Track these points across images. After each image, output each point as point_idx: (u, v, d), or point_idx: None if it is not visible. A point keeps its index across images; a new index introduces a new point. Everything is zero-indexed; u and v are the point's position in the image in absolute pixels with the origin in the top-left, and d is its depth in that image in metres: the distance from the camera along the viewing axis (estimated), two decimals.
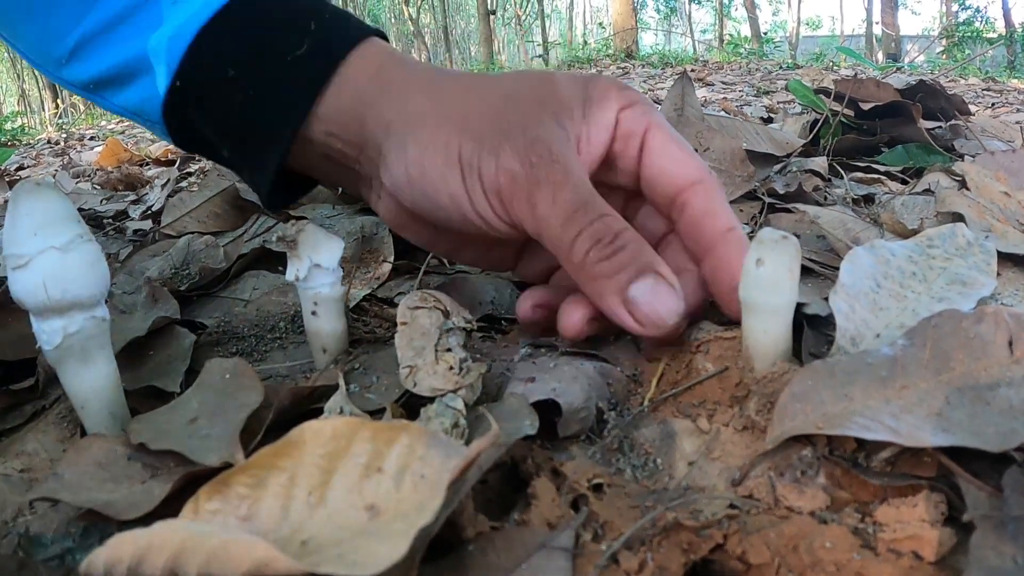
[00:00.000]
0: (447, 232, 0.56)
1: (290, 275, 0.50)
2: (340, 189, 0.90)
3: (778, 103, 3.77)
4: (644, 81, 6.18)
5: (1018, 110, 4.51)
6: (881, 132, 1.04)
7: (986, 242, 0.52)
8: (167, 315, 0.62)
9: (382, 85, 0.55)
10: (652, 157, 0.51)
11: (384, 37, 0.60)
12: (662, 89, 5.30)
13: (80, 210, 1.27)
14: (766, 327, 0.42)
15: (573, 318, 0.49)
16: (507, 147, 0.49)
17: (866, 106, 1.04)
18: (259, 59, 0.56)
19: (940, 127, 1.06)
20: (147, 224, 1.09)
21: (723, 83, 5.80)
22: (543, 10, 25.50)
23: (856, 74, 1.06)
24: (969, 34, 19.54)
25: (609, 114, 0.52)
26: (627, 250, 0.46)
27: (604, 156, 0.53)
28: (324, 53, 0.56)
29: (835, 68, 8.05)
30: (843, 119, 1.03)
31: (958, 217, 0.59)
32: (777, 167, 0.87)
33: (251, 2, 0.59)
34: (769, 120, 1.84)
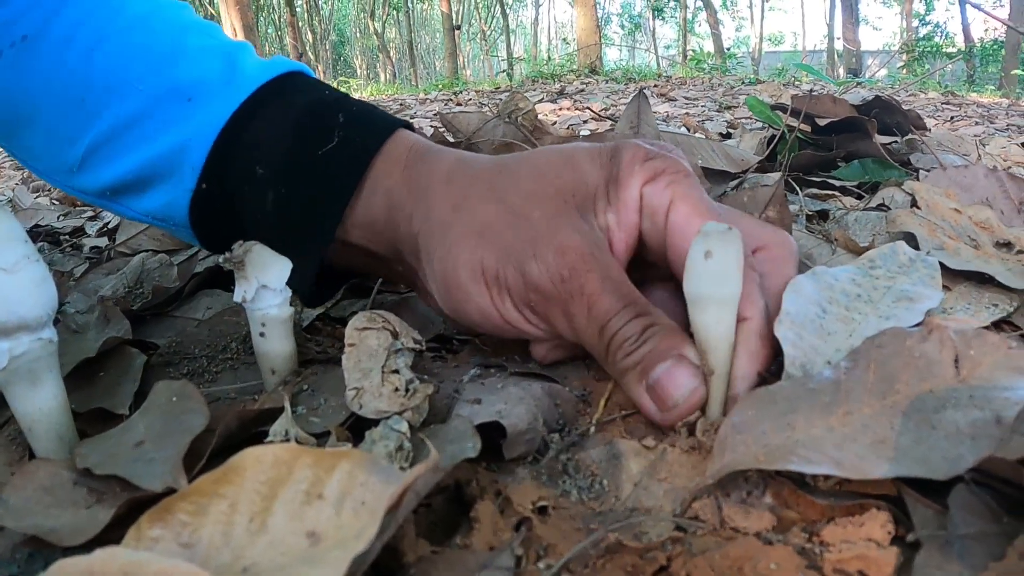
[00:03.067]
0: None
1: (237, 296, 0.49)
2: None
3: (739, 118, 3.80)
4: (607, 96, 6.21)
5: (976, 123, 4.58)
6: (837, 147, 1.05)
7: (928, 257, 0.52)
8: (118, 335, 0.61)
9: (410, 186, 0.54)
10: (675, 238, 0.49)
11: (409, 127, 0.60)
12: (624, 104, 5.33)
13: (37, 227, 1.26)
14: (719, 317, 0.41)
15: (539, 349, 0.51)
16: (533, 264, 0.47)
17: (823, 122, 1.05)
18: (289, 156, 0.56)
19: (896, 142, 1.07)
20: (103, 241, 1.08)
21: (686, 98, 5.84)
22: (508, 25, 25.58)
23: (812, 90, 1.07)
24: (929, 49, 19.84)
25: (634, 192, 0.50)
26: (652, 340, 0.45)
27: (637, 235, 0.51)
28: (355, 150, 0.56)
29: (797, 83, 8.13)
30: (800, 135, 1.04)
31: (909, 236, 0.60)
32: (733, 183, 0.88)
33: (272, 96, 0.58)
34: (728, 136, 1.85)
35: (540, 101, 5.71)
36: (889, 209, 0.78)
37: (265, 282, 0.49)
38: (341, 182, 0.55)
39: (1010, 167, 1.16)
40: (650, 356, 0.44)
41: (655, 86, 7.12)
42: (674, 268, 0.49)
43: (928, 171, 1.03)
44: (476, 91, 8.31)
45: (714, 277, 0.40)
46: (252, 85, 0.58)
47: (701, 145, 0.87)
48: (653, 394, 0.44)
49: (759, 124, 1.46)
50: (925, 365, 0.37)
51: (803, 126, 1.07)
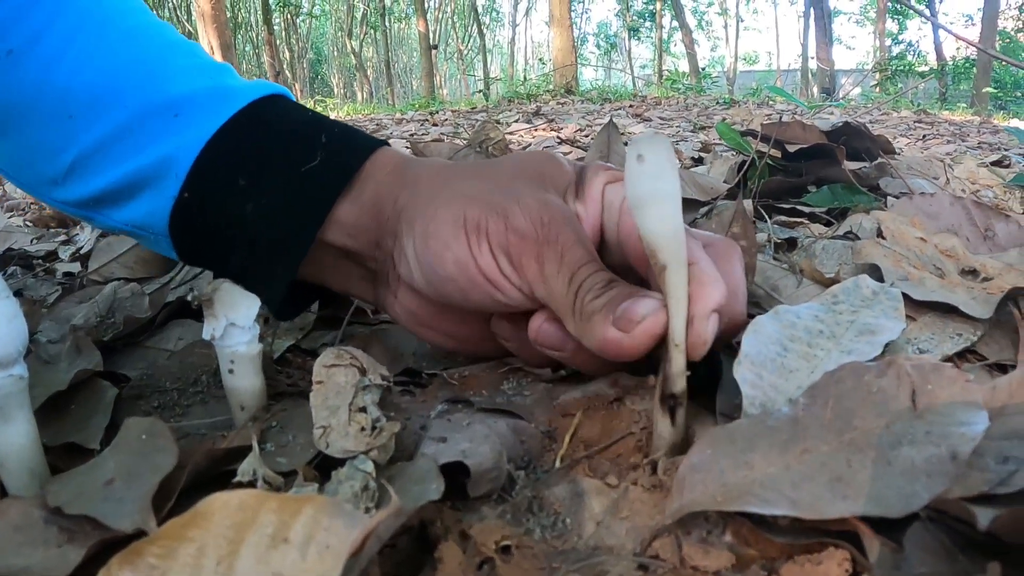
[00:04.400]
0: (462, 322, 0.58)
1: (206, 334, 0.50)
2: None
3: (712, 141, 3.83)
4: (583, 116, 6.24)
5: (948, 141, 4.63)
6: (807, 173, 1.06)
7: (891, 289, 0.53)
8: (89, 367, 0.61)
9: (400, 180, 0.57)
10: (625, 216, 0.53)
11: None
12: (600, 124, 5.36)
13: (10, 250, 1.25)
14: (660, 214, 0.41)
15: (535, 318, 0.52)
16: (516, 208, 0.51)
17: (793, 148, 1.06)
18: (271, 169, 0.58)
19: (866, 167, 1.08)
20: (76, 267, 1.08)
21: (660, 119, 5.88)
22: (485, 45, 25.66)
23: (781, 117, 1.08)
24: (902, 68, 20.06)
25: (597, 189, 0.54)
26: (618, 286, 0.47)
27: (599, 228, 0.55)
28: (340, 164, 0.58)
29: (771, 102, 8.20)
30: (770, 161, 1.05)
31: (874, 268, 0.61)
32: (703, 210, 0.89)
33: (256, 114, 0.60)
34: (700, 160, 1.87)
35: (516, 121, 5.73)
36: (857, 237, 0.79)
37: (233, 320, 0.49)
38: (326, 186, 0.57)
39: (978, 189, 1.18)
40: (617, 295, 0.47)
41: (630, 106, 7.17)
42: (626, 250, 0.53)
43: (897, 196, 1.04)
44: (452, 111, 8.33)
45: (649, 176, 0.40)
46: (237, 103, 0.60)
47: None
48: (619, 323, 0.45)
49: (732, 148, 1.47)
50: (882, 400, 0.37)
51: (773, 151, 1.09)
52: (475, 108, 8.73)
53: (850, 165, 1.04)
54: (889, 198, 0.94)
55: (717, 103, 7.65)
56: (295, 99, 0.65)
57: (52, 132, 0.60)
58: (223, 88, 0.61)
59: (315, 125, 0.60)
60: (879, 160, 1.12)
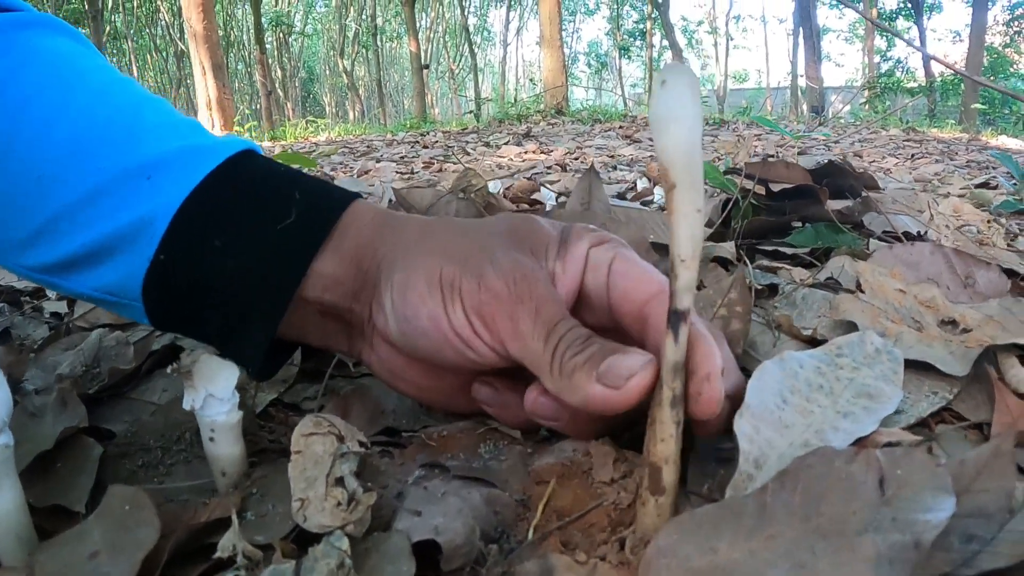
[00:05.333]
0: (437, 375, 0.58)
1: (187, 404, 0.50)
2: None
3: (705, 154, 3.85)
4: (573, 138, 6.26)
5: (936, 161, 4.66)
6: (791, 212, 1.06)
7: (894, 349, 0.53)
8: (75, 424, 0.61)
9: (379, 232, 0.57)
10: (616, 279, 0.53)
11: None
12: (590, 146, 5.38)
13: None
14: (677, 135, 0.40)
15: (530, 391, 0.52)
16: (489, 268, 0.51)
17: (776, 187, 1.06)
18: (247, 228, 0.57)
19: (850, 205, 1.09)
20: (63, 306, 1.08)
21: (650, 140, 5.90)
22: (476, 64, 25.75)
23: (766, 158, 1.09)
24: (891, 85, 20.14)
25: (581, 250, 0.55)
26: (598, 343, 0.48)
27: (578, 291, 0.55)
28: (316, 219, 0.58)
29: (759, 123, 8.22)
30: (753, 201, 1.05)
31: (851, 325, 0.61)
32: None
33: (229, 173, 0.59)
34: None
35: (506, 143, 5.75)
36: (838, 283, 0.79)
37: (212, 391, 0.49)
38: (302, 246, 0.57)
39: (962, 224, 1.19)
40: (599, 351, 0.47)
41: (620, 127, 7.20)
42: (615, 311, 0.53)
43: (880, 235, 1.05)
44: (443, 132, 8.35)
45: (671, 99, 0.40)
46: (210, 163, 0.59)
47: (653, 219, 0.88)
48: (605, 379, 0.45)
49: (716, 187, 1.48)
50: (851, 487, 0.37)
51: (758, 187, 1.09)
52: (466, 129, 8.75)
53: (835, 204, 1.05)
54: (872, 240, 0.94)
55: (707, 123, 7.67)
56: (265, 150, 0.65)
57: (19, 194, 0.59)
58: (195, 147, 0.60)
59: (288, 181, 0.60)
60: (863, 196, 1.12)
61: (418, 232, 0.57)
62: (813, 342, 0.63)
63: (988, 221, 1.18)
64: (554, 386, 0.48)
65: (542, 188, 1.84)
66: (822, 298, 0.70)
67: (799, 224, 1.07)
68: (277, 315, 0.57)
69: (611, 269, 0.53)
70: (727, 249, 0.89)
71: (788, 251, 0.95)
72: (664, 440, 0.43)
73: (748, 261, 0.86)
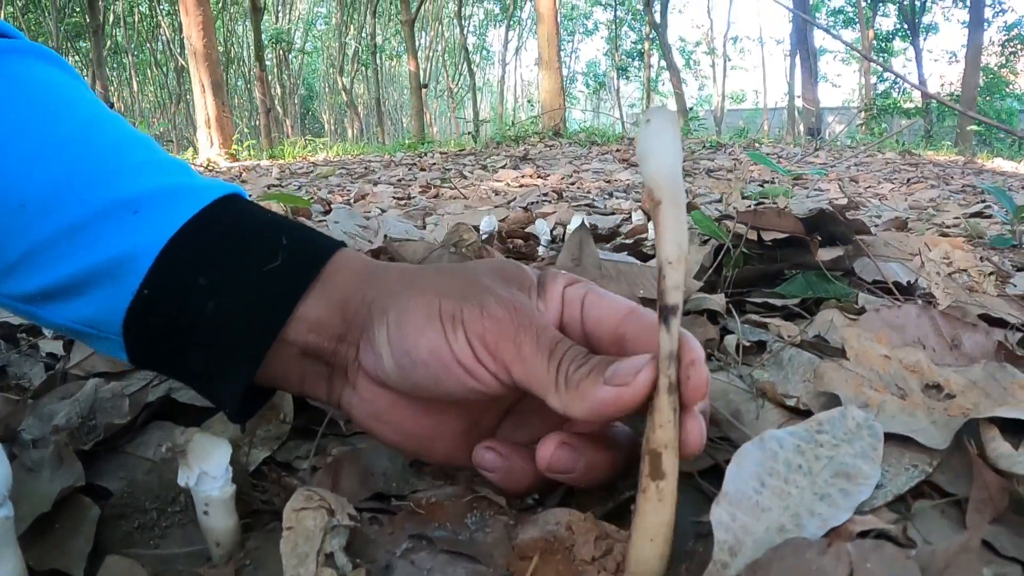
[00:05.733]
0: (422, 417, 0.58)
1: (181, 481, 0.51)
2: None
3: (697, 188, 3.87)
4: (570, 161, 6.28)
5: (932, 185, 4.68)
6: (782, 260, 1.08)
7: (875, 424, 0.54)
8: (71, 484, 0.62)
9: (367, 277, 0.59)
10: (590, 310, 0.56)
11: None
12: (587, 170, 5.40)
13: None
14: (660, 160, 0.44)
15: (545, 446, 0.53)
16: (490, 299, 0.53)
17: (768, 236, 1.07)
18: (233, 269, 0.58)
19: (840, 255, 1.10)
20: (59, 347, 1.08)
21: None
22: (475, 84, 25.81)
23: (758, 206, 1.10)
24: (887, 106, 20.20)
25: (558, 289, 0.58)
26: (598, 357, 0.50)
27: (558, 326, 0.57)
28: (302, 262, 0.59)
29: (758, 145, 8.25)
30: (745, 250, 1.07)
31: (834, 398, 0.62)
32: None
33: (216, 215, 0.60)
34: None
35: (503, 167, 5.77)
36: (825, 342, 0.80)
37: (206, 469, 0.51)
38: (288, 289, 0.58)
39: (953, 271, 1.20)
40: (602, 361, 0.50)
41: (617, 150, 7.22)
42: (591, 337, 0.56)
43: (870, 284, 1.06)
44: (441, 152, 8.38)
45: (654, 134, 0.44)
46: (198, 203, 0.60)
47: (642, 274, 0.89)
48: (613, 381, 0.48)
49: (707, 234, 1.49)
50: None
51: (750, 233, 1.10)
52: (463, 150, 8.78)
53: (826, 252, 1.06)
54: (861, 295, 0.95)
55: (704, 146, 7.70)
56: (250, 197, 0.66)
57: (1, 220, 0.58)
58: (183, 186, 0.61)
59: (275, 226, 0.61)
60: (854, 241, 1.13)
61: (408, 275, 0.58)
62: (797, 412, 0.64)
63: (979, 271, 1.19)
64: (561, 401, 0.50)
65: (537, 221, 1.85)
66: (808, 361, 0.71)
67: (791, 271, 1.08)
68: (259, 356, 0.57)
69: (584, 303, 0.57)
70: (717, 302, 0.90)
71: (778, 302, 0.96)
72: (663, 426, 0.46)
73: (737, 315, 0.87)
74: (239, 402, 0.59)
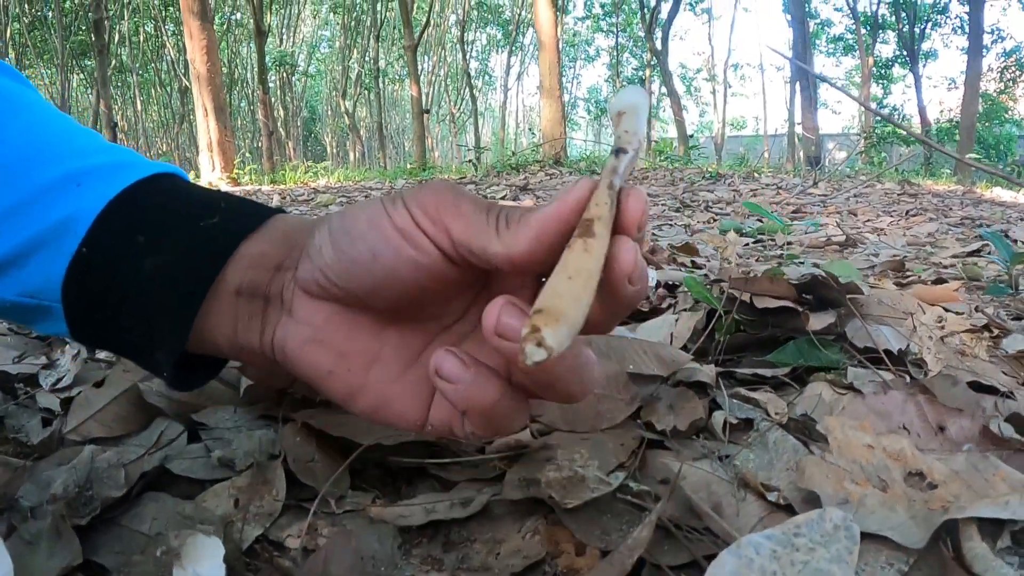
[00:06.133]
0: (362, 328, 0.56)
1: None
2: (242, 390, 0.92)
3: (696, 224, 3.88)
4: None
5: (931, 219, 4.69)
6: (774, 326, 1.09)
7: (852, 525, 0.54)
8: (69, 563, 0.63)
9: (311, 220, 0.58)
10: None
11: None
12: None
13: None
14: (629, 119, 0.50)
15: (493, 305, 0.48)
16: (430, 182, 0.53)
17: (760, 303, 1.08)
18: (171, 227, 0.58)
19: (833, 322, 1.10)
20: (56, 402, 1.09)
21: (647, 195, 5.94)
22: (476, 109, 25.92)
23: (751, 274, 1.11)
24: (884, 136, 20.28)
25: None
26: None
27: None
28: (243, 217, 0.59)
29: (757, 176, 8.29)
30: (737, 316, 1.08)
31: (814, 496, 0.63)
32: (666, 381, 0.91)
33: (157, 183, 0.61)
34: (686, 265, 1.89)
35: (503, 197, 5.79)
36: (813, 421, 0.81)
37: (200, 571, 0.52)
38: (229, 235, 0.58)
39: (945, 335, 1.21)
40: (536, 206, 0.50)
41: None
42: None
43: (860, 359, 1.07)
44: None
45: (627, 91, 0.52)
46: (139, 173, 0.61)
47: (631, 348, 0.90)
48: (557, 200, 0.48)
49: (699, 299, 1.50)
50: None
51: (744, 295, 1.11)
52: (464, 177, 8.81)
53: (817, 321, 1.06)
54: (851, 369, 0.96)
55: (704, 177, 7.72)
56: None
57: None
58: (126, 162, 0.62)
59: (216, 194, 0.62)
60: (847, 303, 1.14)
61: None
62: (779, 506, 0.65)
63: (972, 334, 1.20)
64: (503, 242, 0.48)
65: None
66: (792, 449, 0.72)
67: (783, 335, 1.09)
68: (195, 304, 0.57)
69: None
70: (707, 374, 0.91)
71: (768, 372, 0.97)
72: (598, 205, 0.46)
73: (725, 388, 0.89)
74: (175, 361, 0.58)
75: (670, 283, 1.44)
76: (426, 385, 0.57)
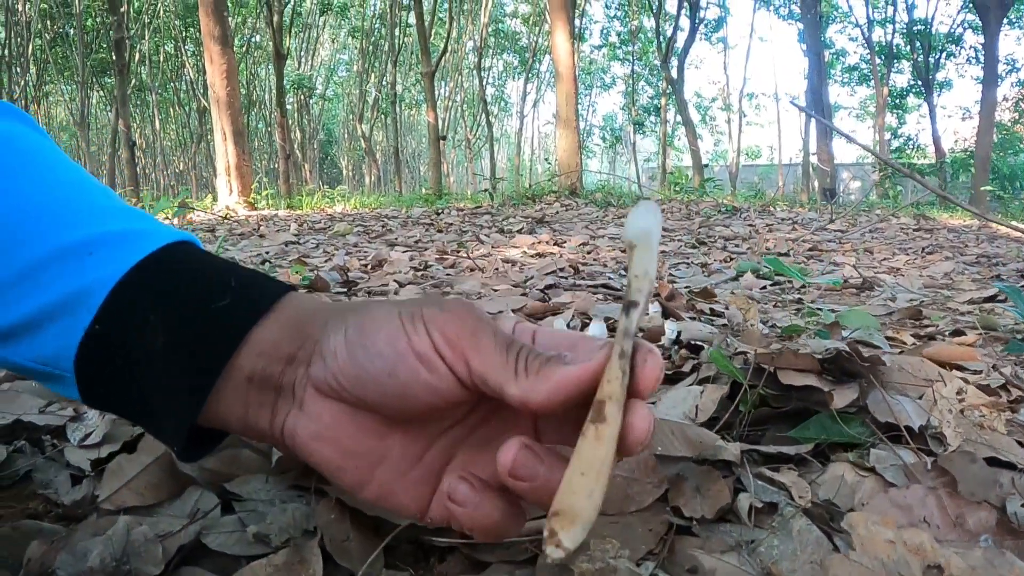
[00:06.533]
0: (366, 432, 0.58)
1: None
2: (273, 459, 0.93)
3: (712, 263, 3.89)
4: (587, 225, 6.31)
5: (947, 256, 4.69)
6: (798, 400, 1.10)
7: None
8: None
9: (323, 306, 0.60)
10: (541, 338, 0.59)
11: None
12: (603, 236, 5.43)
13: (19, 422, 1.26)
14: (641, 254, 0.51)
15: (508, 447, 0.52)
16: (449, 303, 0.55)
17: (784, 377, 1.09)
18: (183, 306, 0.59)
19: (855, 397, 1.11)
20: (86, 461, 1.09)
21: (663, 230, 5.94)
22: (492, 135, 26.00)
23: (782, 349, 1.12)
24: (901, 163, 20.25)
25: (509, 325, 0.59)
26: (553, 352, 0.53)
27: None
28: (254, 298, 0.60)
29: (772, 209, 8.29)
30: (762, 391, 1.09)
31: None
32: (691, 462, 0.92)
33: (170, 256, 0.62)
34: (705, 312, 1.90)
35: (520, 230, 5.81)
36: (836, 507, 0.82)
37: None
38: (237, 321, 0.58)
39: (964, 408, 1.21)
40: (558, 355, 0.52)
41: None
42: None
43: (882, 435, 1.08)
44: (458, 209, 8.43)
45: (640, 211, 0.52)
46: (152, 245, 0.62)
47: (663, 430, 0.92)
48: (575, 361, 0.51)
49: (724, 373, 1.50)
50: None
51: (773, 367, 1.12)
52: (479, 206, 8.84)
53: (840, 399, 1.07)
54: (873, 451, 0.97)
55: (719, 211, 7.73)
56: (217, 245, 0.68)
57: None
58: (138, 231, 0.62)
59: (227, 269, 0.62)
60: (868, 377, 1.14)
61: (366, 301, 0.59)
62: None
63: (991, 406, 1.20)
64: (520, 387, 0.51)
65: (555, 321, 1.88)
66: (816, 541, 0.74)
67: (805, 407, 1.09)
68: (207, 387, 0.58)
69: (535, 335, 0.59)
70: (732, 452, 0.92)
71: (792, 450, 0.98)
72: (610, 382, 0.49)
73: (749, 466, 0.90)
74: (185, 435, 0.59)
75: (692, 342, 1.46)
76: (427, 483, 0.59)
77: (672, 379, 1.27)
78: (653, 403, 1.11)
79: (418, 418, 0.58)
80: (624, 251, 3.85)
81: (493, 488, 0.56)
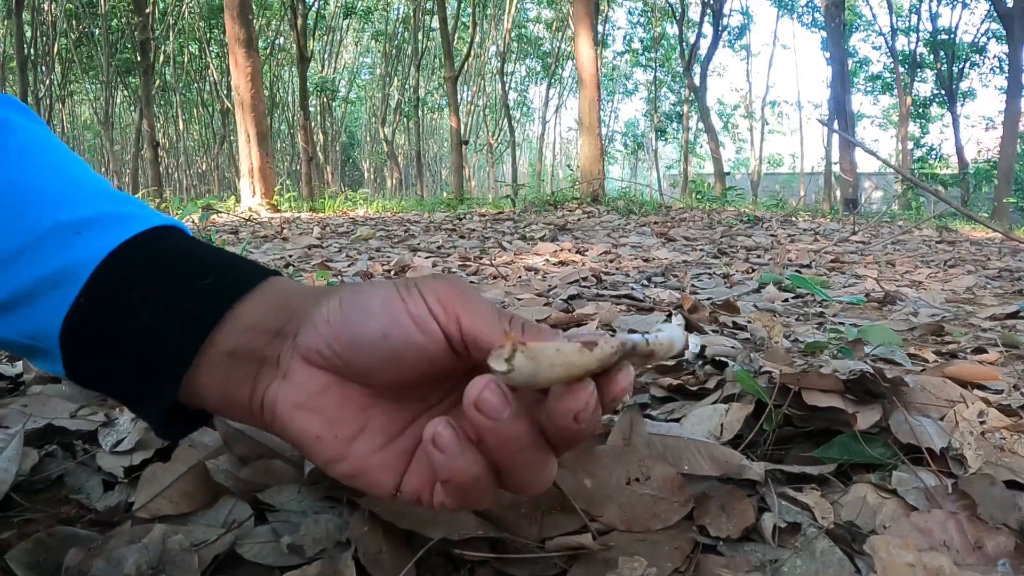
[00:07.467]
0: (353, 403, 0.59)
1: None
2: (306, 470, 0.95)
3: (736, 274, 3.89)
4: (608, 233, 6.31)
5: (969, 271, 4.66)
6: (822, 419, 1.11)
7: None
8: None
9: (309, 288, 0.62)
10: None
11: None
12: (625, 244, 5.43)
13: (50, 426, 1.27)
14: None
15: (476, 383, 0.52)
16: (442, 275, 0.57)
17: (809, 398, 1.10)
18: (166, 286, 0.61)
19: (879, 419, 1.12)
20: (118, 466, 1.11)
21: (685, 239, 5.94)
22: (514, 140, 26.04)
23: (807, 368, 1.14)
24: (923, 175, 20.16)
25: None
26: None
27: None
28: (233, 283, 0.61)
29: (794, 220, 8.27)
30: (787, 411, 1.10)
31: None
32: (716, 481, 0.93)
33: (156, 238, 0.64)
34: (728, 326, 1.90)
35: (542, 237, 5.82)
36: (857, 528, 0.84)
37: None
38: (222, 296, 0.60)
39: (985, 431, 1.22)
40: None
41: (655, 223, 7.24)
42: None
43: (904, 456, 1.09)
44: (480, 214, 8.44)
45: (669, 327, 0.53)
46: (140, 226, 0.63)
47: (688, 449, 0.93)
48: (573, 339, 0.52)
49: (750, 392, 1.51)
50: None
51: (798, 387, 1.13)
52: (501, 212, 8.85)
53: (864, 420, 1.08)
54: (895, 474, 0.98)
55: (741, 221, 7.71)
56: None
57: None
58: (127, 213, 0.64)
59: (212, 252, 0.64)
60: (891, 399, 1.15)
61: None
62: None
63: (1012, 429, 1.21)
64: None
65: (578, 332, 1.88)
66: (838, 563, 0.75)
67: (828, 427, 1.11)
68: (185, 363, 0.59)
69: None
70: (756, 472, 0.93)
71: (815, 471, 0.99)
72: (608, 343, 0.50)
73: (773, 485, 0.91)
74: (164, 412, 0.61)
75: (716, 358, 1.47)
76: (403, 458, 0.60)
77: (697, 395, 1.28)
78: (678, 420, 1.13)
79: (404, 389, 0.59)
80: (645, 260, 3.88)
81: (476, 447, 0.54)
